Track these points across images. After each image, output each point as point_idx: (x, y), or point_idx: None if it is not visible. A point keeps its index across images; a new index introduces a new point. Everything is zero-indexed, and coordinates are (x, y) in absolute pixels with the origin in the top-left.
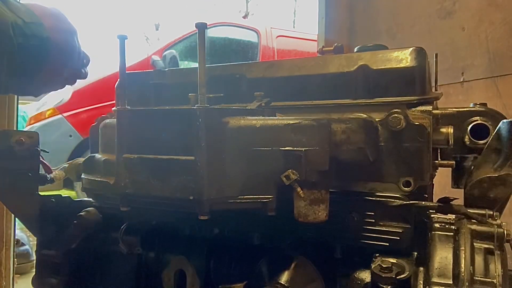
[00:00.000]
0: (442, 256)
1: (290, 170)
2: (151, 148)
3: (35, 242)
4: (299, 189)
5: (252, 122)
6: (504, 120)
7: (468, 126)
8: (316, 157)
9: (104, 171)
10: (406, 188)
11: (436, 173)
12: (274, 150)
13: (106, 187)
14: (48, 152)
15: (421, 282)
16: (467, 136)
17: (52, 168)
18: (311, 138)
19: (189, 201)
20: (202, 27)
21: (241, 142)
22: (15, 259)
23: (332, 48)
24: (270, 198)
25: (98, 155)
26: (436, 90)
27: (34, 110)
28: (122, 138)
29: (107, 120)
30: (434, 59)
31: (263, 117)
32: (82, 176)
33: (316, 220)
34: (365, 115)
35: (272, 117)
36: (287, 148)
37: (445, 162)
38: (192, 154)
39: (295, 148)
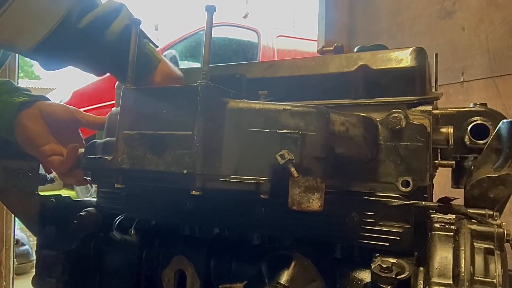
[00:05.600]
0: (442, 256)
1: (285, 150)
2: (152, 125)
3: (35, 242)
4: (293, 169)
5: (252, 105)
6: (504, 120)
7: (468, 126)
8: (313, 142)
9: (103, 150)
10: (405, 188)
11: (436, 173)
12: (271, 132)
13: (103, 163)
14: None
15: (421, 282)
16: (467, 136)
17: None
18: (309, 123)
19: (183, 176)
20: (211, 10)
21: (239, 122)
22: (15, 259)
23: (332, 48)
24: (264, 180)
25: (99, 140)
26: (436, 90)
27: None
28: (124, 116)
29: (113, 109)
30: (434, 59)
31: (262, 102)
32: (82, 156)
33: (310, 209)
34: (365, 114)
35: (271, 102)
36: (284, 131)
37: (445, 162)
38: (190, 130)
39: (292, 131)
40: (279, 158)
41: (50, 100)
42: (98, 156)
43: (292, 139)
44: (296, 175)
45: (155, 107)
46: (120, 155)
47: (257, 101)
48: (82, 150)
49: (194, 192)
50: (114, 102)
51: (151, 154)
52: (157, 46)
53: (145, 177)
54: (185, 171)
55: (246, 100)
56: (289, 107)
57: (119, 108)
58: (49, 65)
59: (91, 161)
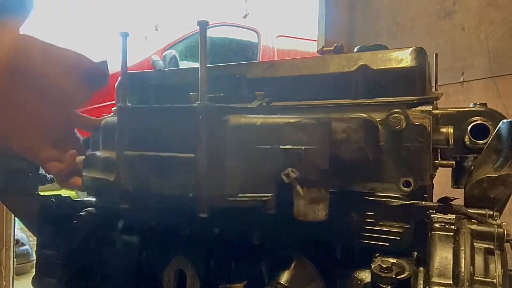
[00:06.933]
0: (442, 256)
1: (290, 168)
2: (152, 146)
3: (35, 242)
4: (298, 187)
5: (253, 120)
6: (504, 120)
7: (468, 126)
8: (316, 156)
9: (104, 168)
10: (406, 188)
11: (436, 173)
12: (274, 148)
13: (106, 185)
14: None
15: (421, 282)
16: (467, 136)
17: None
18: (311, 136)
19: (189, 199)
20: (203, 25)
21: (241, 140)
22: (15, 259)
23: (332, 48)
24: (269, 196)
25: (98, 153)
26: (436, 90)
27: None
28: (122, 135)
29: (108, 118)
30: (434, 59)
31: (263, 116)
32: (83, 174)
33: (316, 219)
34: (365, 115)
35: (272, 116)
36: (287, 147)
37: (445, 162)
38: (192, 151)
39: (295, 147)
40: (284, 177)
41: None
42: (99, 177)
43: (295, 155)
44: (301, 192)
45: (154, 127)
46: (123, 176)
47: (258, 116)
48: (82, 158)
49: (201, 215)
50: (114, 102)
51: (155, 177)
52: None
53: (150, 199)
54: (190, 195)
55: (246, 116)
56: (290, 121)
57: (115, 117)
58: None
59: (93, 181)
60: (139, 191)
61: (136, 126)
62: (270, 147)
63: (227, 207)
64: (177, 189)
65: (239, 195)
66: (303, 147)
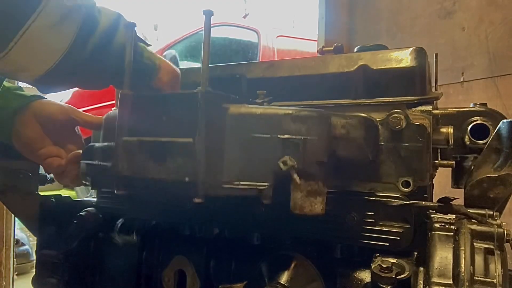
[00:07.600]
0: (442, 256)
1: (287, 156)
2: (151, 132)
3: (35, 242)
4: (295, 175)
5: (253, 110)
6: (504, 120)
7: (468, 126)
8: (315, 147)
9: (103, 156)
10: (405, 189)
11: (436, 173)
12: (272, 138)
13: (104, 171)
14: None
15: (421, 282)
16: (467, 136)
17: None
18: (311, 128)
19: (185, 183)
20: (208, 14)
21: (240, 128)
22: (15, 259)
23: (332, 48)
24: (266, 185)
25: (97, 144)
26: (436, 90)
27: None
28: (123, 122)
29: (110, 112)
30: (434, 59)
31: (263, 106)
32: (80, 161)
33: (312, 213)
34: (365, 115)
35: (272, 107)
36: (285, 136)
37: (445, 162)
38: (190, 137)
39: (294, 136)
40: (281, 164)
41: (45, 98)
42: (97, 163)
43: (294, 145)
44: (298, 181)
45: (154, 114)
46: (120, 162)
47: (258, 106)
48: (80, 151)
49: (196, 200)
50: (114, 102)
51: (152, 162)
52: (149, 45)
53: (147, 185)
54: (187, 179)
55: (246, 105)
56: (290, 112)
57: (116, 111)
58: (49, 90)
59: (91, 168)
60: (136, 176)
61: (137, 113)
62: (269, 136)
63: (222, 194)
64: (173, 174)
65: (235, 182)
66: (301, 137)
